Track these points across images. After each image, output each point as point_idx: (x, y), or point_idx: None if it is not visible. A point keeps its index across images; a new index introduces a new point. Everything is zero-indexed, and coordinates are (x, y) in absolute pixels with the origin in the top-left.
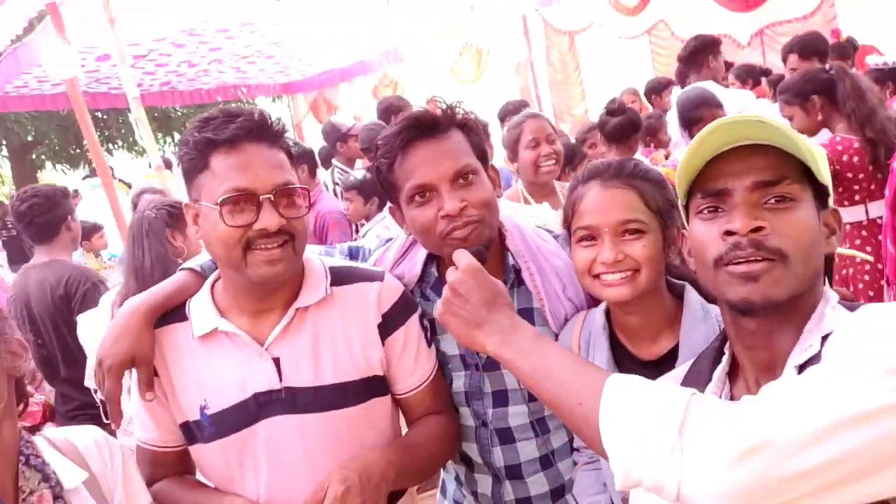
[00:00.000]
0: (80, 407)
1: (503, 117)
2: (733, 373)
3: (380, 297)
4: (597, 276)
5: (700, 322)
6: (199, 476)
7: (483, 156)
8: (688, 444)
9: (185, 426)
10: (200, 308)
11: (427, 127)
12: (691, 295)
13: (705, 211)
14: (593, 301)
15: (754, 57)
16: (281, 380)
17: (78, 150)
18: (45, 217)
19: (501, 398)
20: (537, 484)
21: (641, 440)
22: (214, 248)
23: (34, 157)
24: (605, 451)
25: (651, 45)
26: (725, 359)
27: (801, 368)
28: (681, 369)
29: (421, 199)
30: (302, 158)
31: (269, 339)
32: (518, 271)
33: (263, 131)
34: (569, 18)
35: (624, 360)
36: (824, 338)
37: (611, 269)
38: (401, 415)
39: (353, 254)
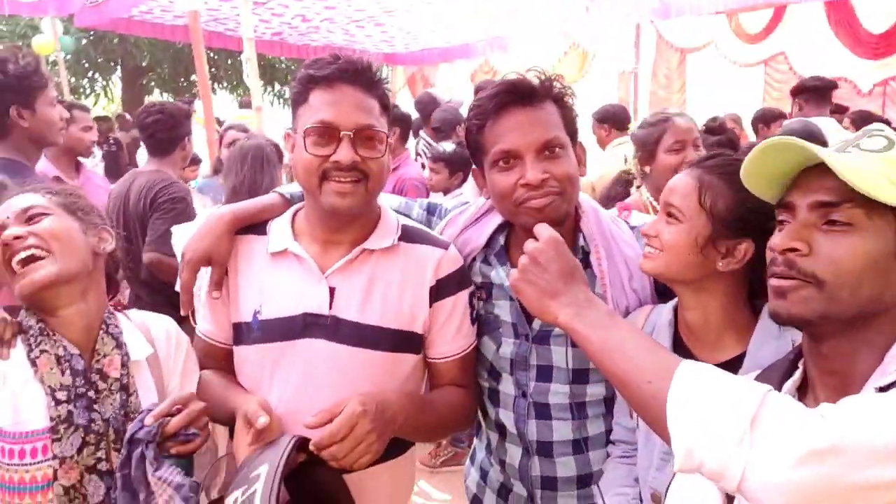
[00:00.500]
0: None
1: (603, 119)
2: (802, 389)
3: (439, 263)
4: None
5: (773, 339)
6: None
7: (573, 131)
8: (758, 435)
9: (237, 326)
10: (279, 229)
11: (522, 94)
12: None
13: (781, 221)
14: (659, 298)
15: (873, 107)
16: (331, 308)
17: (185, 83)
18: (167, 133)
19: (546, 373)
20: (565, 466)
21: (710, 424)
22: (298, 172)
23: (144, 82)
24: (667, 431)
25: (766, 76)
26: (798, 373)
27: (883, 391)
28: (747, 377)
29: (505, 164)
30: (396, 122)
31: (330, 269)
32: (587, 253)
33: (360, 75)
34: (684, 35)
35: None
36: None
37: (647, 241)
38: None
39: (430, 210)
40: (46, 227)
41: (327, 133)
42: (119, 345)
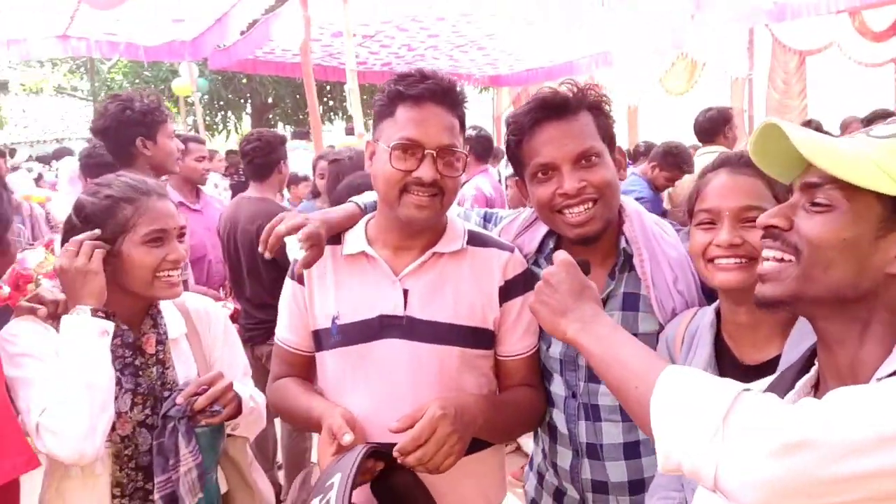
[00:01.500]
0: (257, 323)
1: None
2: (817, 386)
3: (506, 265)
4: (711, 260)
5: (809, 339)
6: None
7: (610, 139)
8: (730, 432)
9: (316, 334)
10: (354, 235)
11: (556, 107)
12: None
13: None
14: (705, 299)
15: None
16: (405, 308)
17: (305, 116)
18: (264, 159)
19: (594, 374)
20: (616, 470)
21: (685, 424)
22: (379, 183)
23: (270, 116)
24: (653, 435)
25: None
26: (814, 370)
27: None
28: (767, 380)
29: (543, 176)
30: (473, 142)
31: (403, 271)
32: (629, 256)
33: (446, 96)
34: (803, 37)
35: (725, 361)
36: None
37: (726, 252)
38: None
39: (487, 218)
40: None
41: (412, 149)
42: (156, 325)
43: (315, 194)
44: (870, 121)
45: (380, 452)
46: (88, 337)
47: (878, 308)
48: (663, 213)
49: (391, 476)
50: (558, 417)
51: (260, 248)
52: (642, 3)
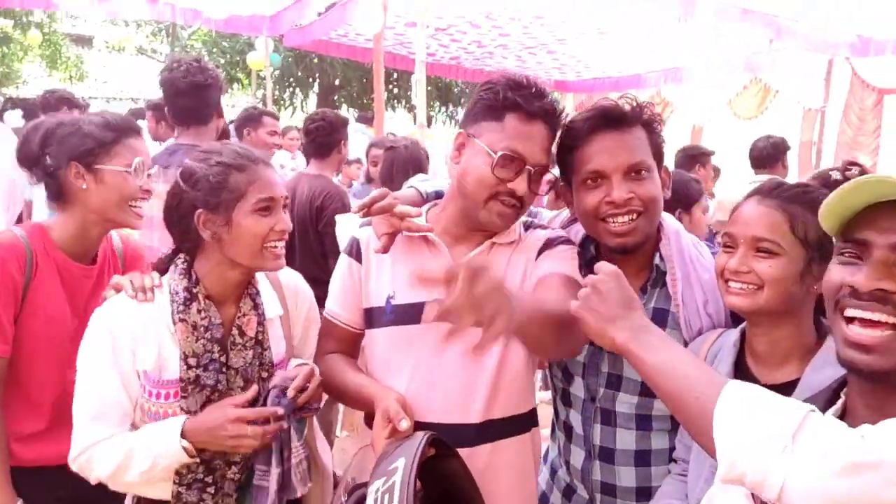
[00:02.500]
0: None
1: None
2: (842, 417)
3: (548, 237)
4: (726, 281)
5: (830, 365)
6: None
7: (659, 156)
8: (800, 448)
9: (369, 311)
10: (417, 220)
11: (613, 119)
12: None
13: (846, 254)
14: (733, 323)
15: None
16: None
17: (369, 100)
18: (325, 138)
19: (615, 381)
20: (626, 475)
21: (754, 435)
22: (469, 180)
23: (336, 98)
24: (712, 443)
25: None
26: (840, 403)
27: None
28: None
29: (593, 182)
30: None
31: (464, 259)
32: (662, 273)
33: (553, 117)
34: (883, 74)
35: (742, 379)
36: None
37: (735, 277)
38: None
39: (531, 215)
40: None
41: (515, 162)
42: (256, 305)
43: (369, 179)
44: None
45: (436, 439)
46: (166, 457)
47: None
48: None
49: (441, 462)
50: (575, 418)
51: (355, 210)
52: (720, 22)
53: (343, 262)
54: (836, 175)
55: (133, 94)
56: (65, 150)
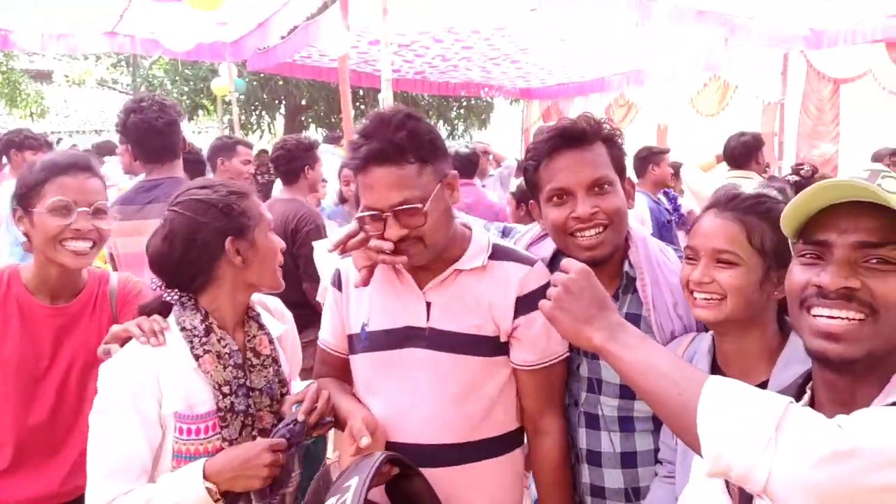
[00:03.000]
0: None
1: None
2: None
3: (524, 279)
4: (692, 293)
5: (799, 364)
6: None
7: (621, 170)
8: (783, 439)
9: (350, 338)
10: None
11: (573, 137)
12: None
13: (806, 256)
14: (704, 324)
15: None
16: (428, 320)
17: (337, 119)
18: (287, 165)
19: (595, 386)
20: (613, 477)
21: (737, 429)
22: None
23: (303, 119)
24: (696, 439)
25: None
26: (806, 397)
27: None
28: None
29: (558, 199)
30: (454, 161)
31: (427, 285)
32: (631, 279)
33: (384, 154)
34: (838, 65)
35: None
36: None
37: (698, 288)
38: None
39: (505, 232)
40: None
41: (371, 216)
42: (261, 326)
43: (342, 200)
44: None
45: (396, 459)
46: (188, 502)
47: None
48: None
49: (405, 481)
50: None
51: (329, 248)
52: (676, 25)
53: (329, 292)
54: (792, 178)
55: (97, 126)
56: (14, 196)
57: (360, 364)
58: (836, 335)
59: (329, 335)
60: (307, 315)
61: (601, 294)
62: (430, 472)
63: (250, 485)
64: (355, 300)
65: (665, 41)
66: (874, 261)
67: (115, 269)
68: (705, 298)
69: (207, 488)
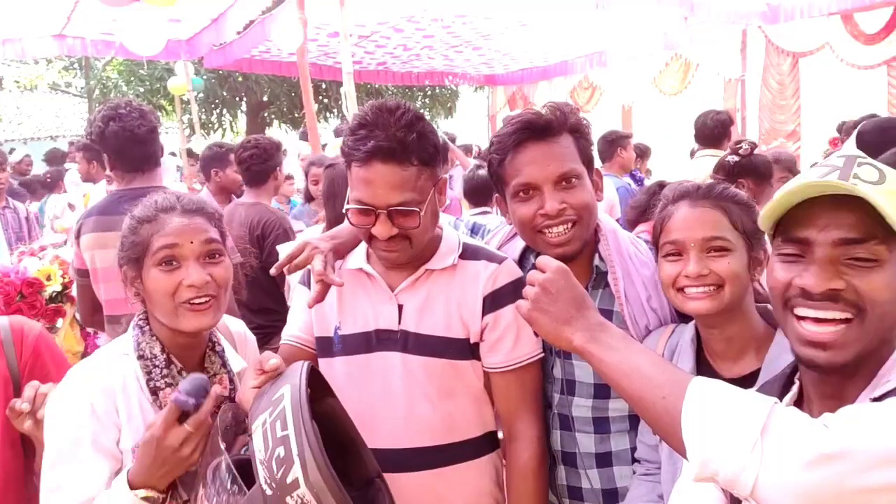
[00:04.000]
0: (255, 328)
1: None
2: (799, 402)
3: (494, 277)
4: (681, 290)
5: (787, 353)
6: None
7: (588, 161)
8: (769, 443)
9: (320, 340)
10: (357, 251)
11: (538, 129)
12: None
13: (786, 254)
14: (679, 316)
15: None
16: (400, 323)
17: (301, 114)
18: (260, 166)
19: (569, 387)
20: (589, 478)
21: (723, 434)
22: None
23: (265, 115)
24: (681, 443)
25: (889, 78)
26: (795, 388)
27: (877, 402)
28: (748, 391)
29: (525, 195)
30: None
31: (398, 287)
32: (602, 273)
33: (392, 153)
34: (796, 39)
35: (705, 375)
36: None
37: (695, 282)
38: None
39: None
40: (221, 272)
41: (364, 211)
42: (224, 363)
43: (308, 199)
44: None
45: (313, 369)
46: None
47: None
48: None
49: (318, 404)
50: None
51: (273, 272)
52: (635, 5)
53: (299, 291)
54: (732, 158)
55: (51, 132)
56: None
57: (335, 368)
58: (824, 343)
59: (298, 330)
60: (278, 321)
61: (580, 293)
62: (406, 477)
63: (184, 468)
64: (327, 302)
65: (625, 21)
66: (856, 258)
67: (93, 281)
68: (702, 291)
69: (145, 497)
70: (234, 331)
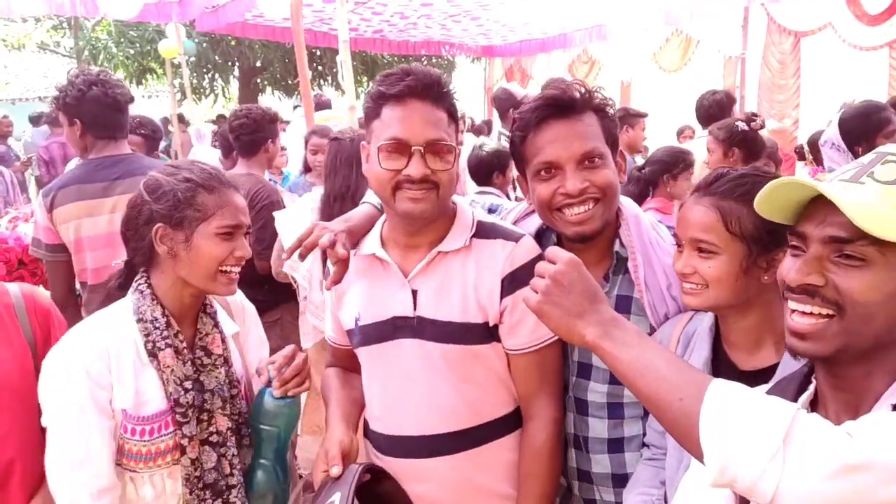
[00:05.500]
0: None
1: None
2: (814, 402)
3: (511, 256)
4: (680, 280)
5: None
6: None
7: (613, 141)
8: (791, 451)
9: (349, 333)
10: (371, 236)
11: (563, 107)
12: None
13: (793, 247)
14: None
15: None
16: (415, 309)
17: (294, 81)
18: (251, 136)
19: (585, 371)
20: (600, 463)
21: (743, 441)
22: (373, 184)
23: (258, 81)
24: (697, 446)
25: (890, 60)
26: (812, 388)
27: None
28: (763, 388)
29: (546, 174)
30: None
31: (412, 272)
32: (622, 259)
33: (429, 90)
34: (798, 17)
35: (721, 365)
36: None
37: (682, 278)
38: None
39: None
40: (249, 249)
41: (399, 148)
42: (216, 324)
43: (307, 169)
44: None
45: (369, 467)
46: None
47: None
48: None
49: (376, 485)
50: None
51: (285, 256)
52: None
53: (327, 294)
54: (742, 126)
55: (40, 92)
56: None
57: (360, 356)
58: (803, 333)
59: (332, 331)
60: (270, 294)
61: (593, 286)
62: (435, 462)
63: None
64: (347, 295)
65: None
66: (842, 256)
67: (75, 252)
68: (691, 287)
69: None
70: (229, 299)
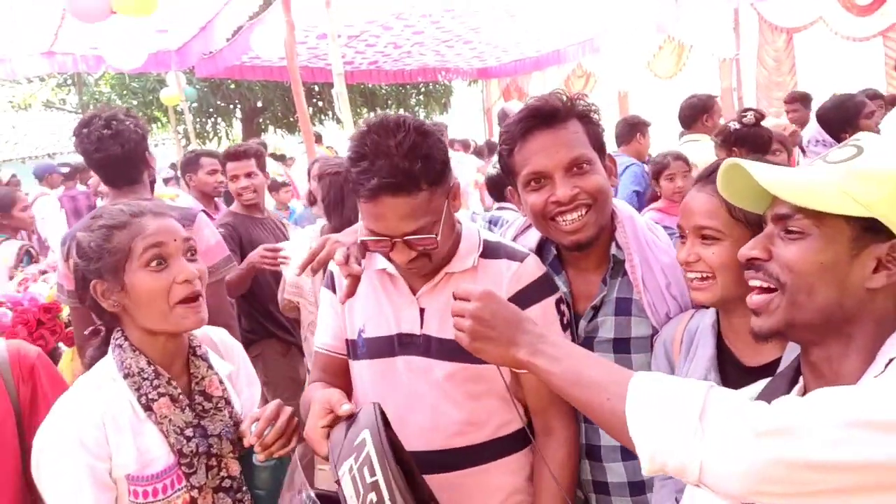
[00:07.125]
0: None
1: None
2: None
3: (517, 275)
4: (686, 273)
5: None
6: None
7: (600, 146)
8: (708, 428)
9: (348, 343)
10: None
11: (546, 117)
12: None
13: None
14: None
15: None
16: (422, 327)
17: (294, 118)
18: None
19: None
20: (615, 472)
21: (664, 426)
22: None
23: (260, 121)
24: (631, 442)
25: (885, 49)
26: (802, 380)
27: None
28: (760, 384)
29: (536, 184)
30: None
31: (420, 290)
32: (619, 262)
33: (401, 186)
34: (789, 14)
35: (726, 363)
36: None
37: (687, 267)
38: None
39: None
40: (202, 269)
41: (379, 240)
42: (210, 365)
43: (312, 201)
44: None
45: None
46: None
47: (863, 322)
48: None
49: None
50: None
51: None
52: None
53: (325, 295)
54: (734, 125)
55: (48, 150)
56: None
57: (362, 371)
58: (755, 310)
59: (329, 337)
60: (248, 330)
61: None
62: (438, 478)
63: None
64: (350, 303)
65: (614, 4)
66: (786, 231)
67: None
68: (697, 278)
69: None
70: (216, 339)
